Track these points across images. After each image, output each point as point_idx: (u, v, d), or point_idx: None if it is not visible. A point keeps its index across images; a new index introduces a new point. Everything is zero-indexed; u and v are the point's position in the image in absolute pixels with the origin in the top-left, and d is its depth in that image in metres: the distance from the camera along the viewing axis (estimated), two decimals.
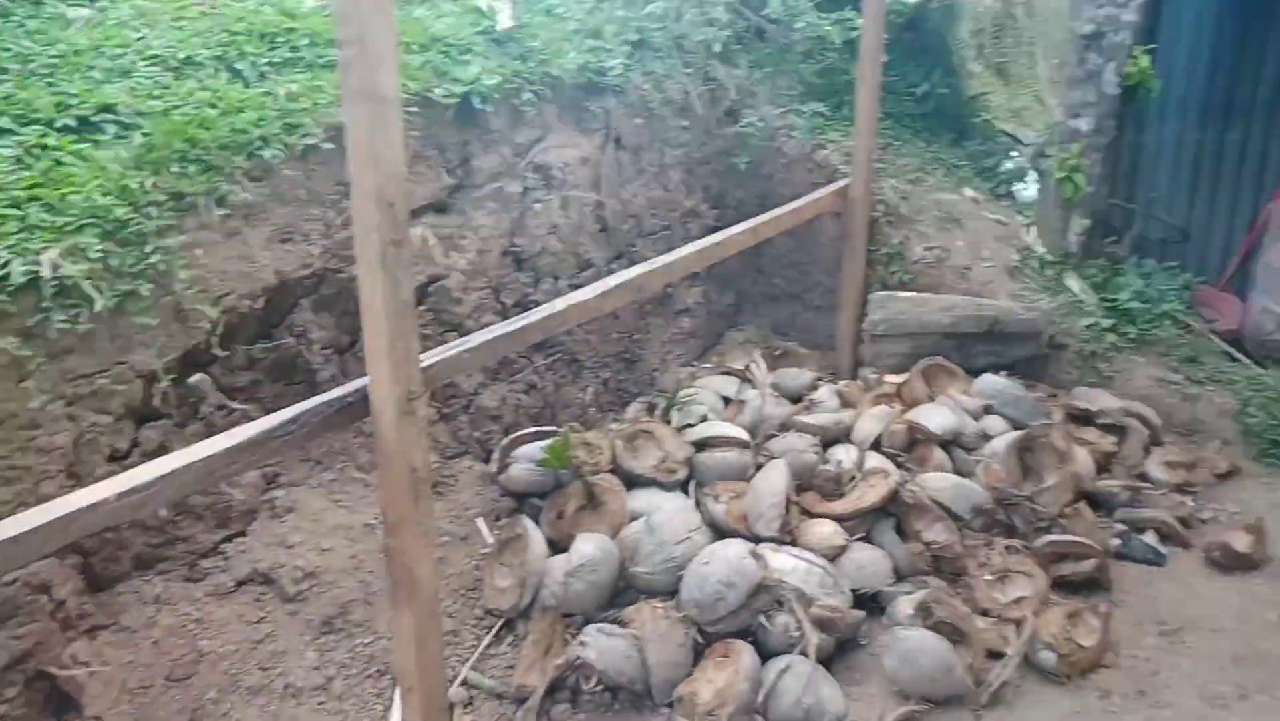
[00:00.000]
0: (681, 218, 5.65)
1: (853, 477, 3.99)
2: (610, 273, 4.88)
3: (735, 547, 3.39)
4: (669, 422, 4.44)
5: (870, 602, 3.62)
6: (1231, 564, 3.89)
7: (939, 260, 5.48)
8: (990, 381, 4.65)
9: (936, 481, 4.00)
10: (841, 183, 5.51)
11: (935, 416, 4.37)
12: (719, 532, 3.77)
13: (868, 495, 3.79)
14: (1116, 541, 4.02)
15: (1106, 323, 5.10)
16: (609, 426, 4.64)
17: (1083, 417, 4.71)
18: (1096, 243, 5.63)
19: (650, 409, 4.80)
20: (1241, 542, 3.92)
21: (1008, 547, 3.76)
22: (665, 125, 5.47)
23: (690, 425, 4.44)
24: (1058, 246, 5.56)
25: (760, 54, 6.21)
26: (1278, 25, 5.73)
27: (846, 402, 4.90)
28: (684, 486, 4.07)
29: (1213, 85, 6.14)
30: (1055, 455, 4.05)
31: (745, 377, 4.85)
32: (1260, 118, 6.06)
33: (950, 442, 4.35)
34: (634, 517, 3.85)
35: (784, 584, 3.35)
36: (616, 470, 4.06)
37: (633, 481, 4.06)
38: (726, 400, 4.99)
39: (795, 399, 5.27)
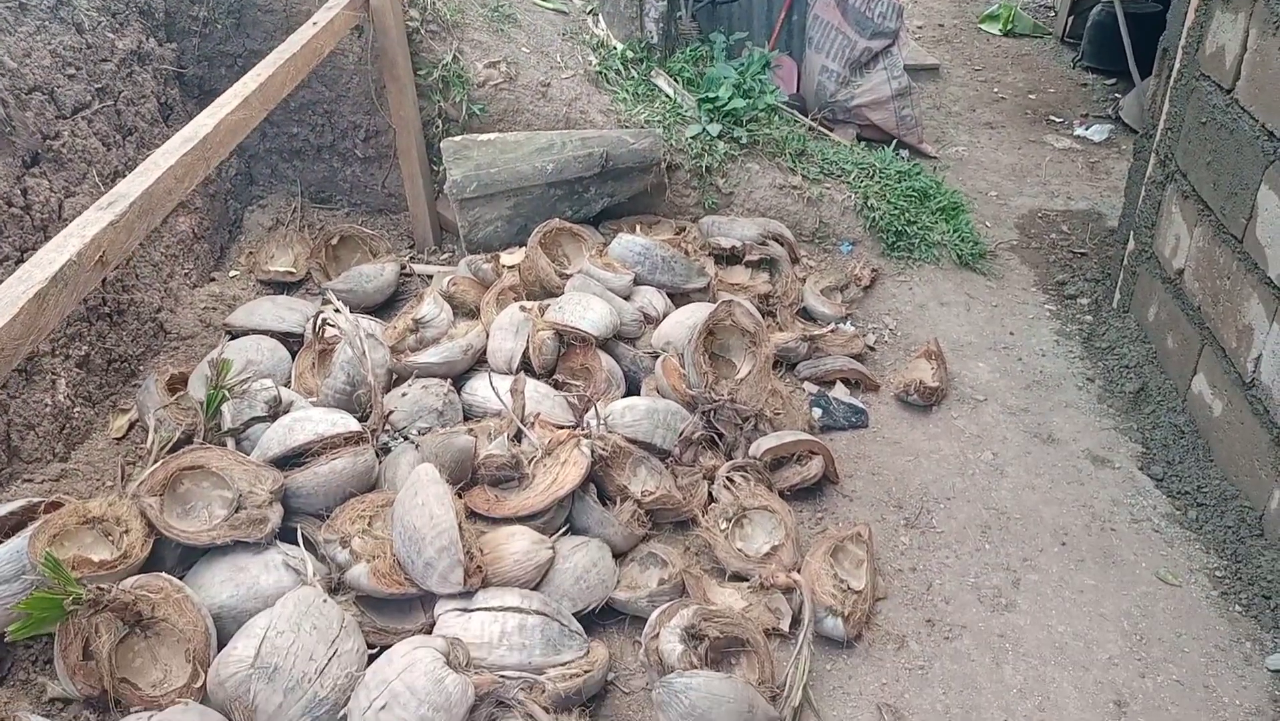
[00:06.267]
0: (122, 69, 3.60)
1: (519, 452, 2.83)
2: (27, 194, 2.95)
3: (420, 666, 2.11)
4: (219, 430, 2.81)
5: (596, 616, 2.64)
6: (926, 400, 3.52)
7: (509, 78, 4.18)
8: (629, 245, 3.65)
9: (625, 415, 3.00)
10: None
11: (585, 310, 3.30)
12: (372, 604, 2.47)
13: (563, 476, 2.68)
14: (818, 413, 3.44)
15: (714, 129, 4.29)
16: (126, 471, 2.91)
17: (728, 256, 3.98)
18: (674, 26, 4.70)
19: (186, 424, 2.94)
20: (929, 375, 3.56)
21: (731, 477, 2.95)
22: None
23: (259, 419, 2.87)
24: (634, 37, 4.53)
25: None
26: None
27: (458, 306, 3.61)
28: (279, 535, 2.60)
29: None
30: (743, 335, 3.25)
31: (324, 321, 3.26)
32: None
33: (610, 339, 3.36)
34: (219, 622, 2.38)
35: (505, 682, 2.20)
36: (160, 547, 2.47)
37: (189, 555, 2.53)
38: (289, 340, 3.43)
39: (379, 307, 3.87)
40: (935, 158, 5.45)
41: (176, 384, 3.17)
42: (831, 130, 5.37)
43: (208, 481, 2.61)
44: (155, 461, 2.62)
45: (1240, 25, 3.09)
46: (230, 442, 2.80)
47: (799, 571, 2.69)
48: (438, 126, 4.15)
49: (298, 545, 2.57)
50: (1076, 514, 3.07)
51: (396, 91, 4.00)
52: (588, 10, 4.70)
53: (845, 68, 5.49)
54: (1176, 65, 3.53)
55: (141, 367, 3.44)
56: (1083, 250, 4.52)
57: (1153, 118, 3.72)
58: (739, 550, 2.79)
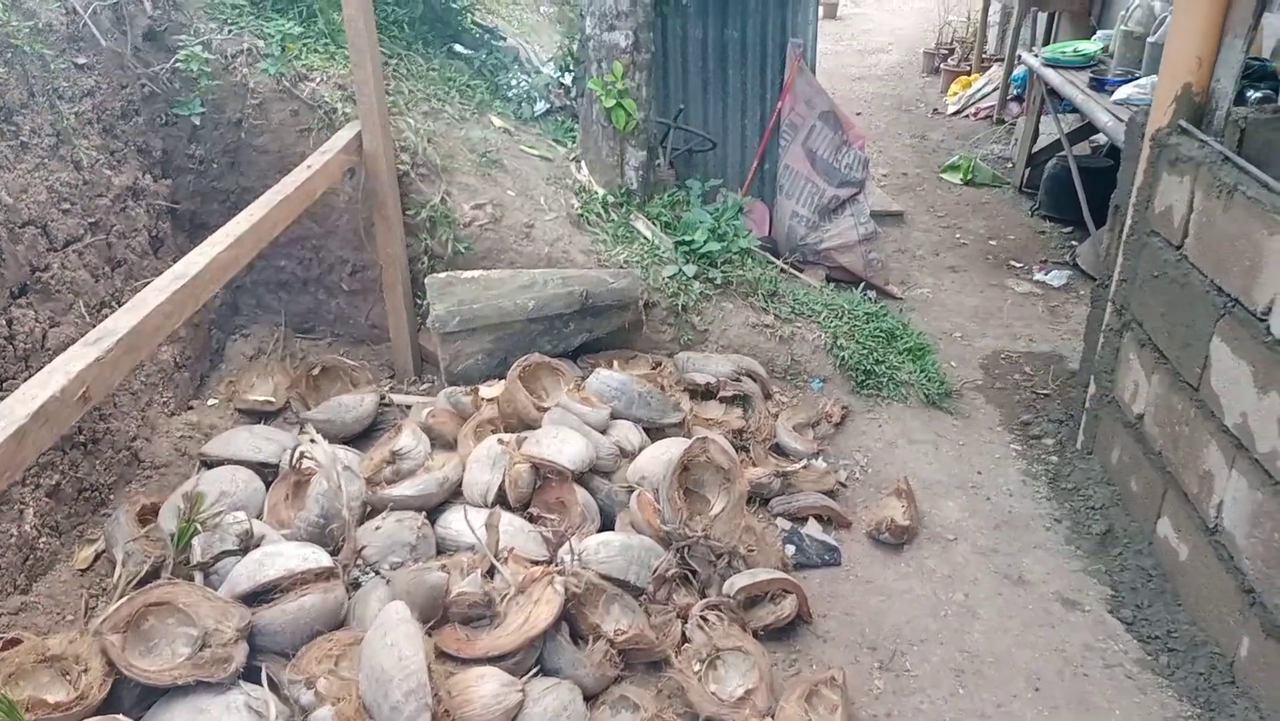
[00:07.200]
0: (116, 204, 3.71)
1: (491, 589, 2.81)
2: (12, 324, 2.99)
3: None
4: (188, 564, 2.78)
5: None
6: (897, 539, 3.55)
7: (494, 219, 4.35)
8: (606, 381, 3.73)
9: (599, 551, 3.01)
10: (349, 130, 4.04)
11: (562, 444, 3.34)
12: None
13: (536, 616, 2.66)
14: (791, 549, 3.45)
15: (690, 270, 4.46)
16: (90, 605, 2.86)
17: (703, 392, 4.06)
18: (652, 173, 4.93)
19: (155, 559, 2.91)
20: (900, 513, 3.60)
21: (705, 616, 2.94)
22: (50, 70, 3.45)
23: (230, 553, 2.84)
24: (616, 184, 4.74)
25: None
26: None
27: (436, 438, 3.64)
28: (244, 674, 2.54)
29: None
30: (718, 471, 3.30)
31: (302, 456, 3.27)
32: (756, 9, 5.79)
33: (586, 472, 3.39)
34: None
35: None
36: (119, 686, 2.41)
37: (149, 694, 2.46)
38: (264, 471, 3.42)
39: (357, 436, 3.89)
40: (901, 299, 5.66)
41: (147, 514, 3.15)
42: (802, 271, 5.58)
43: (173, 618, 2.57)
44: (121, 596, 2.58)
45: (1186, 187, 3.29)
46: (199, 577, 2.76)
47: (773, 717, 2.65)
48: (423, 262, 4.28)
49: (262, 685, 2.51)
50: (1049, 658, 3.07)
51: (385, 230, 4.14)
52: (571, 157, 4.93)
53: (815, 213, 5.75)
54: (1128, 221, 3.74)
55: (112, 497, 3.41)
56: (1046, 391, 4.65)
57: (1107, 268, 3.91)
58: (712, 693, 2.75)
